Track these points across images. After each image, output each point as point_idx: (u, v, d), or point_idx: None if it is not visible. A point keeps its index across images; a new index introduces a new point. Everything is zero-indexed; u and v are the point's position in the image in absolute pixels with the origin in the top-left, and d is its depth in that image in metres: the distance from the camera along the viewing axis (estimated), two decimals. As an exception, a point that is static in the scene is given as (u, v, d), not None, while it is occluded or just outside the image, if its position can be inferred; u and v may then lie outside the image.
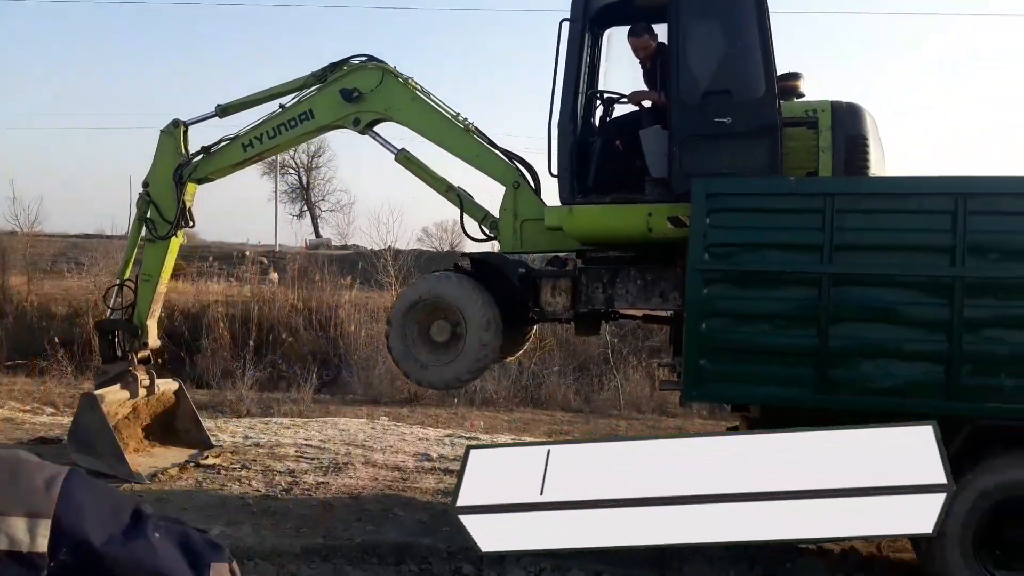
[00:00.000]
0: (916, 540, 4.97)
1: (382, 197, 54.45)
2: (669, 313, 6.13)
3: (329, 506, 5.94)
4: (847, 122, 5.35)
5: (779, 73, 5.35)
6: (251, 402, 12.32)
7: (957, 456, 4.63)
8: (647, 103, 5.97)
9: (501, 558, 5.13)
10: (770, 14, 5.20)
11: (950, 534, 4.60)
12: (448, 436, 8.74)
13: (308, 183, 39.37)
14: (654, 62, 5.89)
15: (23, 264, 21.95)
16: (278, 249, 31.72)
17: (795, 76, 5.64)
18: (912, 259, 4.75)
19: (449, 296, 5.85)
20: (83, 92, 66.79)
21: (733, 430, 5.89)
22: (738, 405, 5.72)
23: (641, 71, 6.08)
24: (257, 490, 6.22)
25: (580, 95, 5.72)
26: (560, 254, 6.27)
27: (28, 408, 9.79)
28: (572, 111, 5.65)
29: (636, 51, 6.08)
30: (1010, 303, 4.59)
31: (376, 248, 24.51)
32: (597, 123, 6.21)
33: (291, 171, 39.22)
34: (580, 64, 5.71)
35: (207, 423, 8.69)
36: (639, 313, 6.60)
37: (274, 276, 23.34)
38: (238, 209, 67.28)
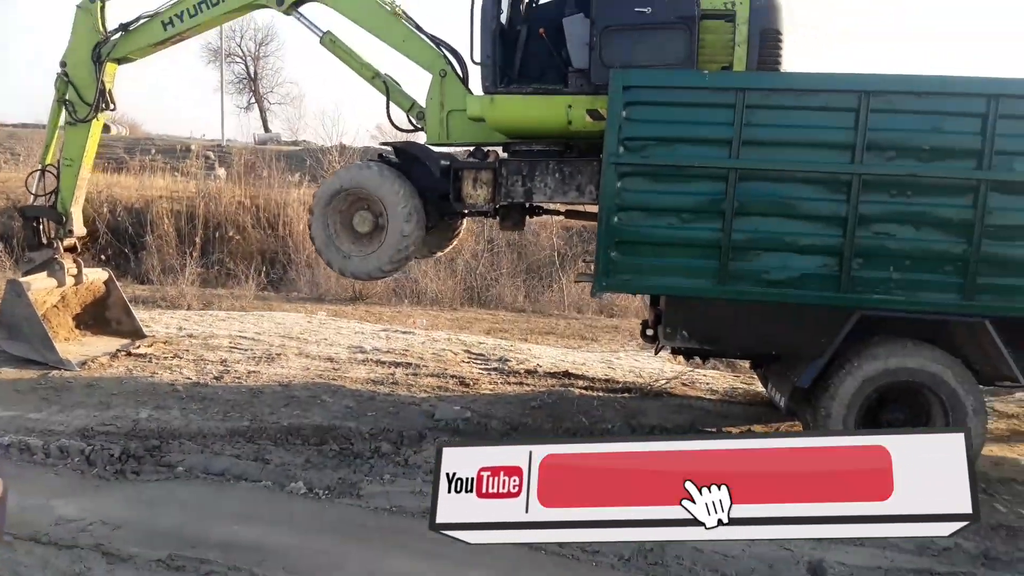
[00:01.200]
0: (804, 422, 5.37)
1: (335, 93, 52.94)
2: (585, 208, 6.23)
3: (258, 393, 6.12)
4: (764, 16, 5.37)
5: None
6: (192, 298, 12.34)
7: (844, 344, 4.98)
8: None
9: (420, 436, 5.41)
10: None
11: (835, 416, 4.98)
12: (383, 330, 8.94)
13: (256, 73, 37.96)
14: None
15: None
16: (225, 143, 30.86)
17: None
18: (815, 156, 4.90)
19: (370, 185, 5.87)
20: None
21: (644, 324, 6.18)
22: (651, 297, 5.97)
23: None
24: (188, 378, 6.36)
25: None
26: (483, 147, 6.26)
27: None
28: None
29: None
30: (901, 200, 4.80)
31: (325, 145, 24.06)
32: (523, 9, 6.11)
33: (237, 60, 37.75)
34: None
35: (143, 315, 8.74)
36: (562, 208, 6.70)
37: (221, 172, 22.88)
38: (184, 101, 64.95)
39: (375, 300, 13.94)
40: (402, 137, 6.89)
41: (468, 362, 7.62)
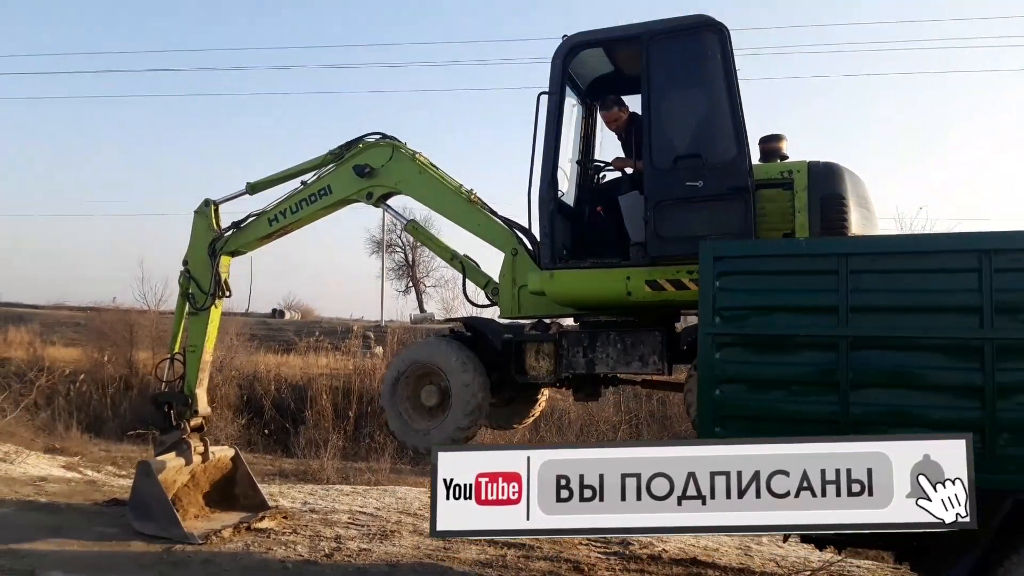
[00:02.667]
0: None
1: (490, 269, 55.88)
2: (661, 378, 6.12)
3: (363, 572, 6.04)
4: (823, 182, 5.26)
5: (763, 135, 5.35)
6: (332, 471, 12.72)
7: (999, 536, 4.27)
8: (629, 170, 6.08)
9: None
10: (738, 78, 5.24)
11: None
12: (502, 507, 8.71)
13: (413, 260, 40.93)
14: (628, 132, 6.05)
15: (150, 340, 23.73)
16: (383, 324, 32.84)
17: (778, 138, 5.61)
18: (937, 321, 4.49)
19: (422, 358, 6.17)
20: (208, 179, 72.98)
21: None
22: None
23: (620, 144, 6.27)
24: (300, 554, 6.41)
25: (558, 164, 5.89)
26: (545, 319, 6.34)
27: (124, 473, 10.51)
28: (551, 180, 5.82)
29: (608, 123, 6.35)
30: (1046, 366, 4.24)
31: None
32: (581, 191, 6.44)
33: (397, 249, 40.99)
34: (558, 134, 5.89)
35: (280, 489, 9.08)
36: (638, 378, 6.54)
37: (378, 350, 24.12)
38: (351, 287, 70.84)
39: (508, 474, 13.76)
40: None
41: (587, 544, 7.20)
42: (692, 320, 6.28)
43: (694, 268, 5.30)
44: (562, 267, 5.78)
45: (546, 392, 7.25)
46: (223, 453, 7.59)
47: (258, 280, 73.55)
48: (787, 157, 5.61)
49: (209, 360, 7.47)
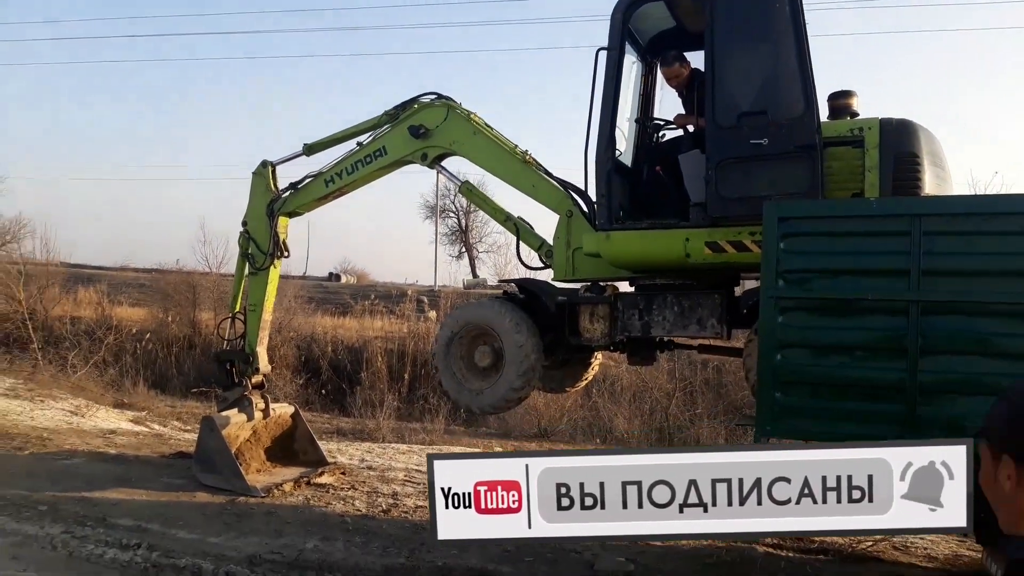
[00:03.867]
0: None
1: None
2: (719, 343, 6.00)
3: (421, 529, 6.14)
4: (896, 140, 5.02)
5: (833, 91, 5.13)
6: (388, 431, 12.96)
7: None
8: (690, 128, 5.92)
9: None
10: (807, 31, 5.03)
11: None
12: (555, 469, 8.75)
13: (467, 226, 41.06)
14: (691, 88, 5.86)
15: (211, 301, 24.42)
16: (437, 289, 33.14)
17: (848, 94, 5.37)
18: (1013, 285, 4.28)
19: (476, 319, 6.18)
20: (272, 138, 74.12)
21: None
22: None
23: (681, 101, 6.08)
24: (358, 510, 6.56)
25: (616, 123, 5.75)
26: (599, 281, 6.24)
27: (189, 428, 10.89)
28: (609, 139, 5.69)
29: (668, 80, 6.15)
30: None
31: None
32: (640, 151, 6.30)
33: (451, 214, 41.15)
34: (617, 92, 5.75)
35: (336, 446, 9.28)
36: (695, 342, 6.42)
37: (432, 314, 24.37)
38: (405, 252, 71.60)
39: (559, 437, 13.81)
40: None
41: (639, 508, 7.19)
42: (752, 284, 6.15)
43: (756, 229, 5.17)
44: (619, 228, 5.69)
45: (599, 356, 7.19)
46: (283, 410, 7.77)
47: (315, 244, 75.04)
48: (858, 114, 5.38)
49: (269, 319, 7.61)
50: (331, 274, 43.71)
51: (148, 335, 20.24)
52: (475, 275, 40.21)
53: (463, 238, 42.05)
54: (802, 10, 5.08)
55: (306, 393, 19.53)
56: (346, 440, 11.83)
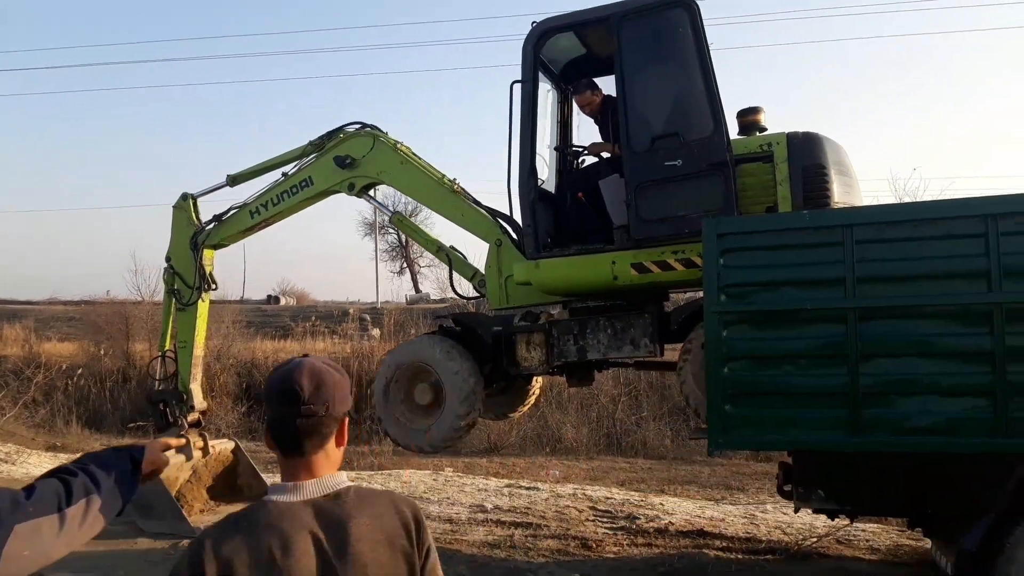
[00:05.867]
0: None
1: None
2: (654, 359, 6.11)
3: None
4: (803, 152, 5.19)
5: (741, 109, 5.32)
6: (337, 456, 12.70)
7: (1017, 497, 4.27)
8: (606, 154, 6.03)
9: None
10: (710, 53, 5.17)
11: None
12: (508, 486, 8.71)
13: (406, 241, 40.66)
14: (604, 115, 5.97)
15: (146, 331, 23.61)
16: (379, 306, 32.78)
17: (755, 111, 5.56)
18: (943, 287, 4.45)
19: (407, 359, 6.14)
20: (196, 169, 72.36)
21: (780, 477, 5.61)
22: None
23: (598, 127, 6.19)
24: (309, 545, 6.38)
25: (536, 153, 5.81)
26: (533, 308, 6.29)
27: (127, 468, 10.45)
28: (530, 169, 5.75)
29: (582, 107, 6.29)
30: (1056, 329, 4.21)
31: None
32: (561, 178, 6.40)
33: (390, 230, 40.73)
34: (534, 122, 5.80)
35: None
36: (631, 360, 6.52)
37: (375, 332, 24.07)
38: (346, 270, 70.58)
39: (510, 451, 13.78)
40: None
41: (593, 520, 7.21)
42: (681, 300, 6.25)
43: (680, 248, 5.31)
44: (547, 256, 5.72)
45: (539, 380, 7.21)
46: (223, 446, 7.54)
47: (252, 267, 73.45)
48: (766, 129, 5.54)
49: (201, 355, 7.37)
50: (270, 296, 42.81)
51: (80, 370, 19.44)
52: (417, 290, 39.96)
53: (404, 253, 41.73)
54: (704, 32, 5.21)
55: (249, 421, 18.99)
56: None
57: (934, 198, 4.94)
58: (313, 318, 28.69)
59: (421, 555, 1.66)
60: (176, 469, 6.88)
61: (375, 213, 37.44)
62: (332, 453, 1.70)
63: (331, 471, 1.68)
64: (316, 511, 1.59)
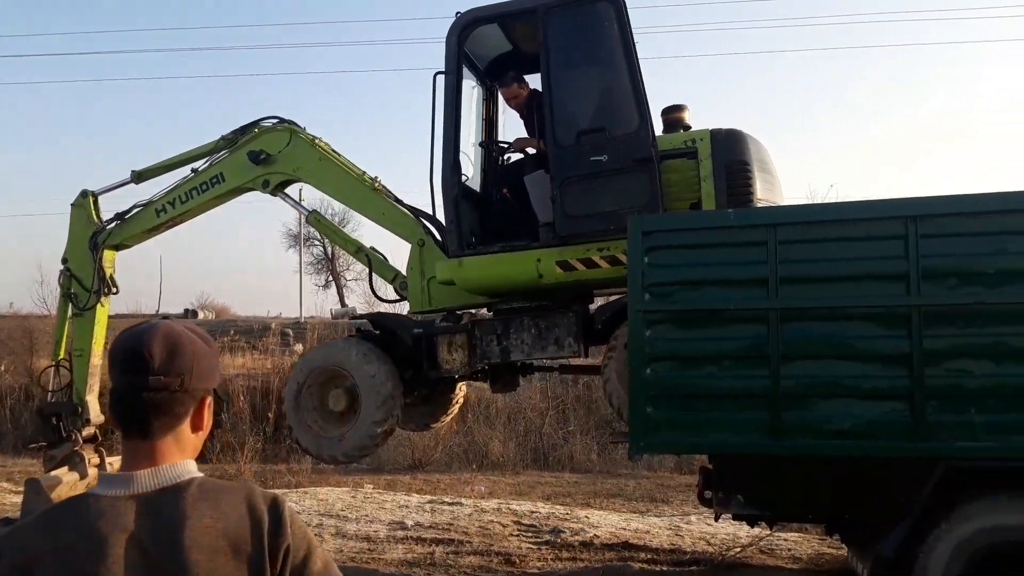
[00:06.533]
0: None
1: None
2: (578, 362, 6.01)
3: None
4: (726, 149, 5.18)
5: (665, 106, 5.29)
6: (250, 474, 12.14)
7: (931, 503, 4.25)
8: (531, 150, 5.93)
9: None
10: (636, 48, 5.15)
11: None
12: (429, 503, 8.40)
13: (333, 254, 39.84)
14: (530, 109, 5.88)
15: (51, 347, 22.35)
16: (303, 320, 31.94)
17: (679, 108, 5.57)
18: (863, 289, 4.43)
19: (321, 363, 5.87)
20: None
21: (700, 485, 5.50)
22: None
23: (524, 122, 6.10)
24: (211, 565, 5.96)
25: (459, 147, 5.65)
26: (458, 310, 6.10)
27: (20, 489, 9.70)
28: (453, 164, 5.58)
29: (508, 101, 6.19)
30: (971, 331, 4.24)
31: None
32: (487, 175, 6.23)
33: (316, 243, 39.85)
34: (458, 116, 5.65)
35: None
36: (555, 364, 6.39)
37: (298, 347, 23.35)
38: (269, 284, 68.64)
39: (435, 468, 13.45)
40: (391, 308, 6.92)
41: (517, 535, 6.99)
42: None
43: (605, 245, 5.19)
44: (470, 254, 5.53)
45: (463, 388, 6.97)
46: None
47: (170, 279, 70.85)
48: (690, 127, 5.51)
49: (99, 364, 6.82)
50: (187, 310, 41.29)
51: (-24, 388, 18.21)
52: (343, 304, 39.12)
53: (330, 267, 40.85)
54: (630, 26, 5.17)
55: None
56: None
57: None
58: (232, 332, 27.74)
59: (278, 561, 1.33)
60: (69, 488, 6.32)
61: (300, 224, 36.62)
62: (185, 439, 1.40)
63: (179, 460, 1.38)
64: (145, 509, 1.30)
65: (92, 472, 6.50)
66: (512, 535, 6.98)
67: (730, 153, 5.14)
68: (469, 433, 14.95)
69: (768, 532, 6.82)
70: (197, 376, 1.39)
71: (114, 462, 6.84)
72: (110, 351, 1.42)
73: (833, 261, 4.48)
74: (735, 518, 5.17)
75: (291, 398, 5.88)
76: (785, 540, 7.02)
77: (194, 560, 1.26)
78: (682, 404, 4.62)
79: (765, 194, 5.19)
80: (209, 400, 1.46)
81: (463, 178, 5.76)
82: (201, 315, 40.42)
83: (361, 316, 6.57)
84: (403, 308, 6.80)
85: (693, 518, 8.12)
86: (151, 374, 1.34)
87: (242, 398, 18.33)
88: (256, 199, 6.69)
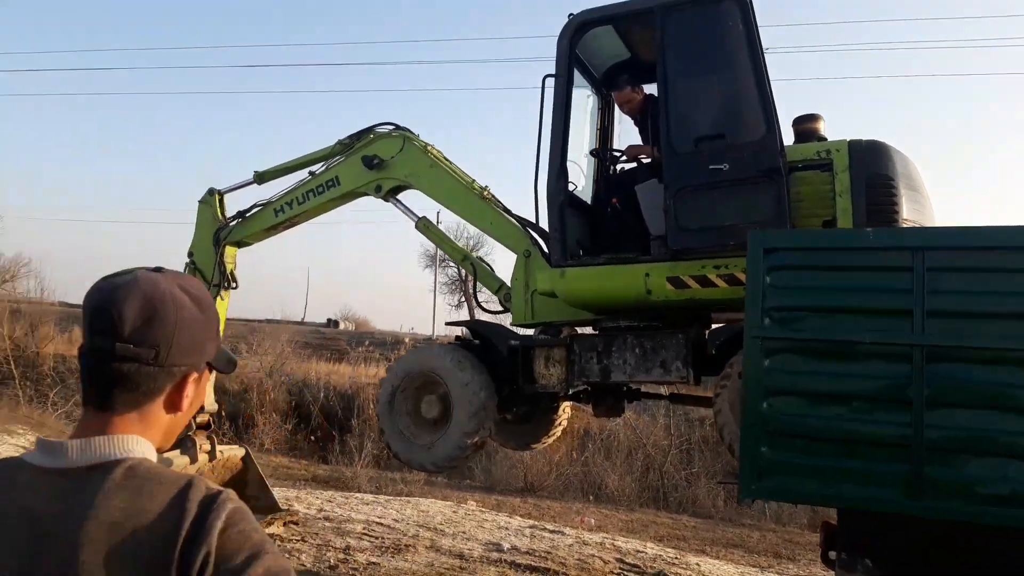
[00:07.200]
0: None
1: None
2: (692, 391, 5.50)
3: (367, 589, 5.53)
4: (867, 162, 4.57)
5: (798, 116, 4.81)
6: (366, 479, 12.31)
7: None
8: (644, 158, 5.53)
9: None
10: (763, 50, 4.65)
11: None
12: (531, 527, 8.08)
13: (466, 275, 40.66)
14: (645, 115, 5.51)
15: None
16: (435, 337, 32.64)
17: (814, 118, 4.99)
18: (1032, 329, 3.74)
19: (416, 367, 5.70)
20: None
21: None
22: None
23: (638, 129, 5.75)
24: (302, 564, 5.93)
25: (567, 152, 5.33)
26: (559, 325, 5.75)
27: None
28: (560, 169, 5.25)
29: (621, 106, 5.83)
30: None
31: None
32: (598, 185, 5.95)
33: (451, 264, 40.77)
34: (567, 120, 5.34)
35: (291, 493, 8.67)
36: (664, 391, 5.87)
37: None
38: (406, 301, 71.51)
39: (547, 493, 13.11)
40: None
41: (618, 574, 6.54)
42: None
43: (722, 263, 4.74)
44: (573, 264, 5.21)
45: (567, 409, 6.65)
46: (232, 452, 7.17)
47: (318, 292, 75.07)
48: (825, 139, 4.95)
49: None
50: (329, 320, 43.29)
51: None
52: (475, 325, 39.67)
53: (463, 287, 41.63)
54: (756, 26, 4.71)
55: (295, 439, 18.93)
56: (320, 487, 11.19)
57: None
58: (367, 343, 28.74)
59: (193, 571, 1.03)
60: (179, 471, 6.54)
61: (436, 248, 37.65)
62: (154, 419, 1.18)
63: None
64: (63, 487, 1.08)
65: (202, 458, 6.70)
66: (612, 572, 6.53)
67: (872, 167, 4.56)
68: (587, 463, 14.52)
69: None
70: (179, 349, 1.16)
71: (224, 450, 7.04)
72: (84, 299, 1.21)
73: (994, 295, 3.82)
74: None
75: (384, 401, 5.79)
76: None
77: (80, 560, 1.02)
78: (804, 447, 4.06)
79: (913, 215, 4.56)
80: (195, 376, 1.22)
81: (572, 188, 5.50)
82: (342, 325, 42.27)
83: (459, 322, 6.40)
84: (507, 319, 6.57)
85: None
86: (118, 340, 1.12)
87: (371, 406, 18.87)
88: (403, 219, 6.76)
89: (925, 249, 3.90)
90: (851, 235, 4.27)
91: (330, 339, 33.73)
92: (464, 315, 42.10)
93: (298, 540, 6.56)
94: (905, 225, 4.48)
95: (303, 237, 71.12)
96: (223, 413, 18.90)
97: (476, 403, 5.40)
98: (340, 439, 17.16)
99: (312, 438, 18.82)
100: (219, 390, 24.31)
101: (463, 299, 41.89)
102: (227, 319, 7.21)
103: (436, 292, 40.17)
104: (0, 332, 23.04)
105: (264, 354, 24.27)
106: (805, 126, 4.97)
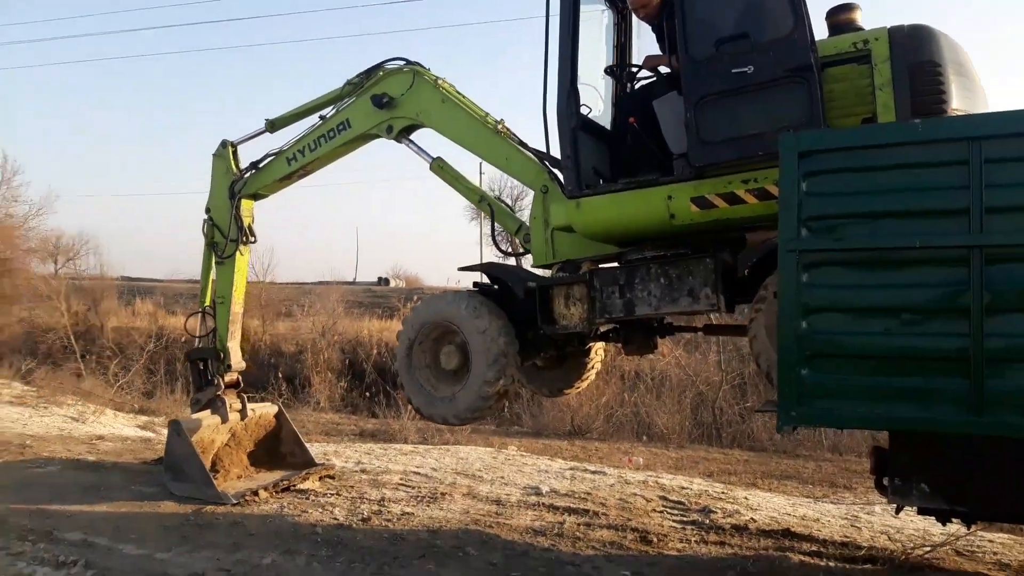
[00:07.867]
0: None
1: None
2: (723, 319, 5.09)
3: (399, 539, 5.38)
4: (910, 49, 4.05)
5: (831, 7, 4.32)
6: (414, 431, 12.29)
7: None
8: (663, 68, 5.05)
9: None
10: None
11: None
12: (571, 469, 7.86)
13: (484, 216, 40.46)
14: (661, 20, 4.94)
15: (258, 308, 24.27)
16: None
17: (850, 7, 4.44)
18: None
19: (432, 317, 5.47)
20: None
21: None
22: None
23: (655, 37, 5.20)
24: (335, 518, 5.82)
25: (577, 70, 4.88)
26: (578, 261, 5.38)
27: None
28: (570, 89, 4.82)
29: (636, 10, 5.29)
30: None
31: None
32: (618, 106, 5.48)
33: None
34: (576, 35, 4.89)
35: (329, 448, 8.62)
36: (697, 323, 5.47)
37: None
38: (456, 255, 71.47)
39: (595, 436, 12.91)
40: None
41: (661, 512, 6.29)
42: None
43: (751, 176, 4.30)
44: (589, 194, 4.83)
45: (600, 351, 6.34)
46: (265, 410, 7.11)
47: (368, 250, 75.91)
48: (861, 29, 4.41)
49: (240, 311, 6.94)
50: (380, 279, 43.58)
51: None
52: (524, 272, 39.52)
53: (510, 238, 41.48)
54: None
55: (350, 396, 19.16)
56: (368, 441, 11.21)
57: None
58: (416, 298, 28.74)
59: None
60: (211, 431, 6.49)
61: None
62: None
63: None
64: None
65: (234, 417, 6.64)
66: (655, 511, 6.28)
67: (916, 54, 4.04)
68: (636, 404, 14.27)
69: (967, 531, 5.62)
70: None
71: (256, 408, 6.97)
72: None
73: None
74: (920, 512, 4.17)
75: (403, 354, 5.58)
76: (991, 542, 5.79)
77: None
78: (848, 367, 3.71)
79: (963, 104, 4.05)
80: None
81: (588, 112, 5.08)
82: (393, 283, 42.51)
83: (472, 267, 6.10)
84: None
85: (878, 508, 6.98)
86: None
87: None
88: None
89: (982, 139, 3.45)
90: (896, 129, 3.81)
91: (381, 297, 33.99)
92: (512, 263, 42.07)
93: (333, 494, 6.46)
94: (955, 115, 3.98)
95: (350, 196, 71.66)
96: (280, 375, 19.29)
97: (495, 350, 5.15)
98: (386, 394, 17.25)
99: (368, 394, 19.02)
100: (275, 352, 24.73)
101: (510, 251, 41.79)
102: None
103: (482, 245, 39.98)
104: (61, 308, 23.80)
105: (317, 315, 24.55)
106: (840, 17, 4.43)
